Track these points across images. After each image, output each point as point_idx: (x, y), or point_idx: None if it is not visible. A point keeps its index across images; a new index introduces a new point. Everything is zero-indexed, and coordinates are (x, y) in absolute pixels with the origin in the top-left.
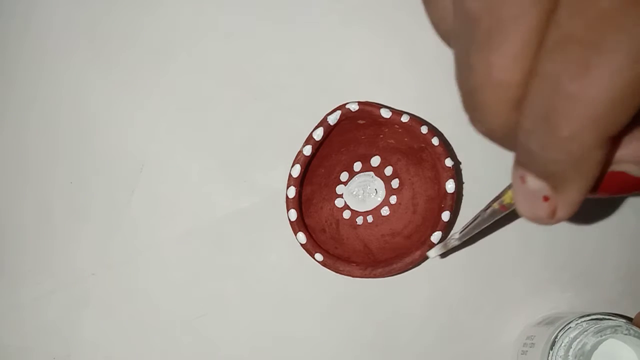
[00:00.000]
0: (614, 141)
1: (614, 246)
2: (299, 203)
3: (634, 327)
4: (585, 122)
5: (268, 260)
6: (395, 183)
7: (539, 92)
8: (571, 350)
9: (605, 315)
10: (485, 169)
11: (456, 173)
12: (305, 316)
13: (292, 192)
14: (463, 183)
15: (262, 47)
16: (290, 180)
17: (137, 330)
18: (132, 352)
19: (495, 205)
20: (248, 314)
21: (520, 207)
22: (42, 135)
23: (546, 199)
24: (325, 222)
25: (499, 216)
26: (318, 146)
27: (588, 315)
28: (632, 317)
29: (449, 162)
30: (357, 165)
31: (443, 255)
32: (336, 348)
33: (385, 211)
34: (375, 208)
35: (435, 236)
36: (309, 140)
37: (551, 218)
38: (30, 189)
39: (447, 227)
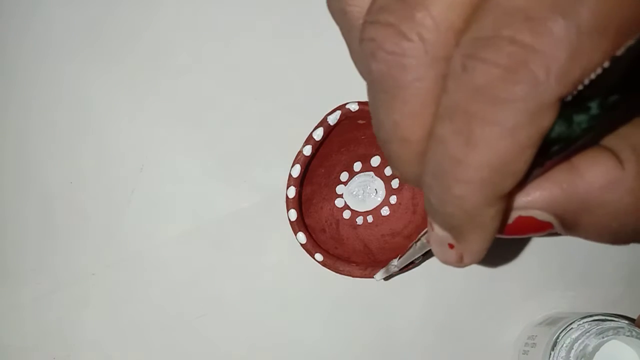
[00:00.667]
0: (511, 195)
1: (615, 247)
2: (299, 203)
3: (636, 329)
4: (472, 184)
5: (268, 260)
6: (395, 183)
7: (434, 152)
8: (572, 351)
9: (607, 316)
10: None
11: None
12: (305, 316)
13: (292, 192)
14: None
15: (262, 47)
16: (290, 180)
17: (137, 330)
18: (132, 352)
19: (424, 240)
20: (248, 314)
21: (434, 250)
22: (42, 135)
23: (451, 246)
24: (325, 222)
25: (428, 249)
26: (318, 146)
27: (590, 315)
28: (634, 317)
29: None
30: (357, 165)
31: (386, 279)
32: (336, 348)
33: (385, 211)
34: (375, 208)
35: None
36: (309, 140)
37: (460, 263)
38: (30, 189)
39: None
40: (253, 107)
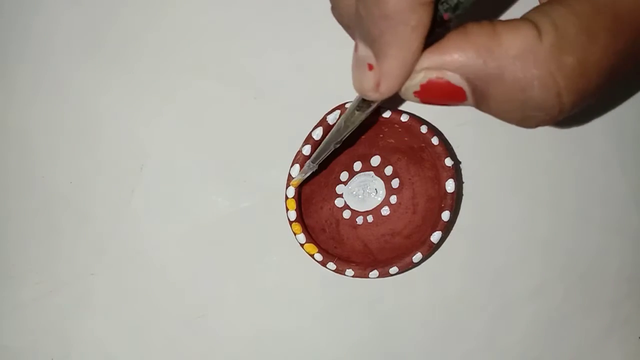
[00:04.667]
0: (428, 10)
1: (617, 246)
2: (299, 203)
3: None
4: None
5: (268, 260)
6: (395, 183)
7: None
8: None
9: None
10: (485, 169)
11: (456, 173)
12: (305, 316)
13: (291, 192)
14: (463, 183)
15: (262, 47)
16: (290, 180)
17: (137, 330)
18: (132, 352)
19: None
20: (248, 314)
21: (353, 78)
22: (42, 135)
23: (370, 67)
24: (325, 222)
25: (345, 133)
26: (318, 146)
27: None
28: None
29: (448, 162)
30: (357, 165)
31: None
32: (336, 348)
33: (385, 211)
34: (375, 208)
35: (435, 236)
36: (308, 140)
37: (376, 91)
38: (30, 189)
39: (448, 227)
40: (253, 107)
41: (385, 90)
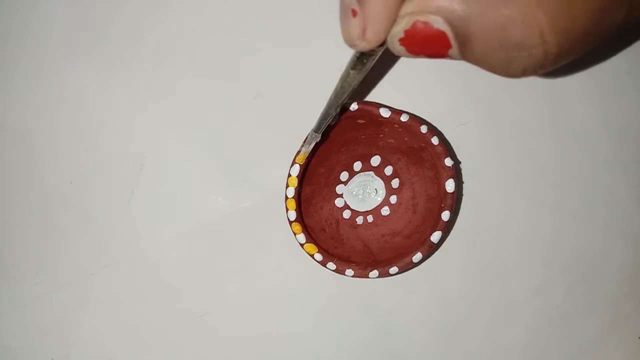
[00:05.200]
0: None
1: (617, 246)
2: (299, 203)
3: None
4: None
5: (268, 260)
6: (395, 183)
7: None
8: None
9: None
10: (485, 169)
11: (456, 173)
12: (305, 316)
13: (291, 192)
14: (463, 183)
15: (262, 47)
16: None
17: (136, 330)
18: (132, 352)
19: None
20: (248, 314)
21: (341, 29)
22: (42, 134)
23: (354, 12)
24: (325, 222)
25: (344, 97)
26: (317, 146)
27: None
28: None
29: (448, 162)
30: (357, 165)
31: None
32: (336, 348)
33: (385, 211)
34: (375, 208)
35: (436, 236)
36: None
37: (362, 39)
38: (30, 189)
39: (448, 227)
40: (253, 107)
41: (372, 37)
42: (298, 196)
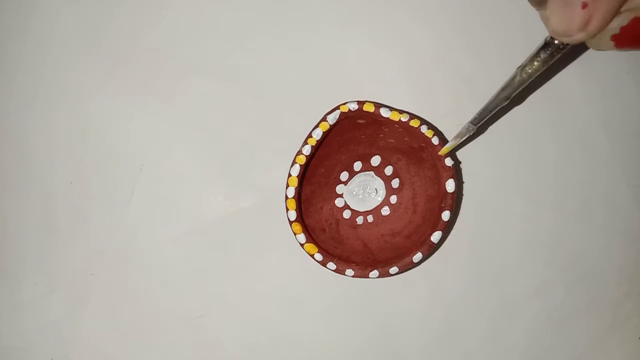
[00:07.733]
0: None
1: (617, 246)
2: (299, 203)
3: None
4: None
5: (268, 260)
6: (395, 183)
7: None
8: None
9: None
10: (485, 169)
11: (456, 173)
12: (305, 316)
13: (291, 192)
14: (463, 183)
15: (262, 47)
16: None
17: (136, 330)
18: (132, 352)
19: (523, 74)
20: (248, 314)
21: (555, 19)
22: (43, 135)
23: (584, 5)
24: (325, 222)
25: (518, 88)
26: (317, 146)
27: None
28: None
29: (449, 162)
30: (357, 165)
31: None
32: (336, 348)
33: (385, 211)
34: (375, 208)
35: (436, 236)
36: (309, 140)
37: (582, 30)
38: (30, 189)
39: (448, 227)
40: (253, 107)
41: (593, 29)
42: (298, 196)
